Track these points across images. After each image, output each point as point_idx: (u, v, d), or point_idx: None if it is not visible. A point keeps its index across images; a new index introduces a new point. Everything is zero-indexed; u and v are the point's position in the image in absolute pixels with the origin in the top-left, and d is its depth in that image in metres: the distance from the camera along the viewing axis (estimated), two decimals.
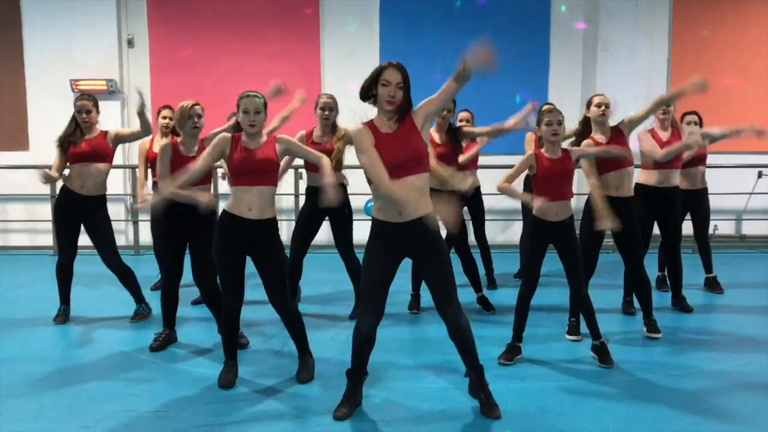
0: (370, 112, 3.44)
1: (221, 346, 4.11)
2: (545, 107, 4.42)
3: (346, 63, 9.07)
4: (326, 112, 5.24)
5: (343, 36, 9.10)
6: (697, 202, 6.13)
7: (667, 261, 5.82)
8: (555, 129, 4.22)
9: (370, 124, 3.34)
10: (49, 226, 8.90)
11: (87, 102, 5.21)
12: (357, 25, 9.07)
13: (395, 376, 4.13)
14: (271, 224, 3.88)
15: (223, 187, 7.87)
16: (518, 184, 4.82)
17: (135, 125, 5.37)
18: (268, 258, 3.87)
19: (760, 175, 9.02)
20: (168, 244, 4.57)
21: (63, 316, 5.40)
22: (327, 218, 5.41)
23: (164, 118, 6.02)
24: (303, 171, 5.81)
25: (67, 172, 5.25)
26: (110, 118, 8.93)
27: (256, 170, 3.77)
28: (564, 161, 4.29)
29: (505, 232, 8.91)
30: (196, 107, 4.42)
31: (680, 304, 5.68)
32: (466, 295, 5.87)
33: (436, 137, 5.36)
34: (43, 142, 8.79)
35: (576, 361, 4.39)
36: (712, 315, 5.69)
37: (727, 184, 8.39)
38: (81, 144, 5.15)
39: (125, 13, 9.07)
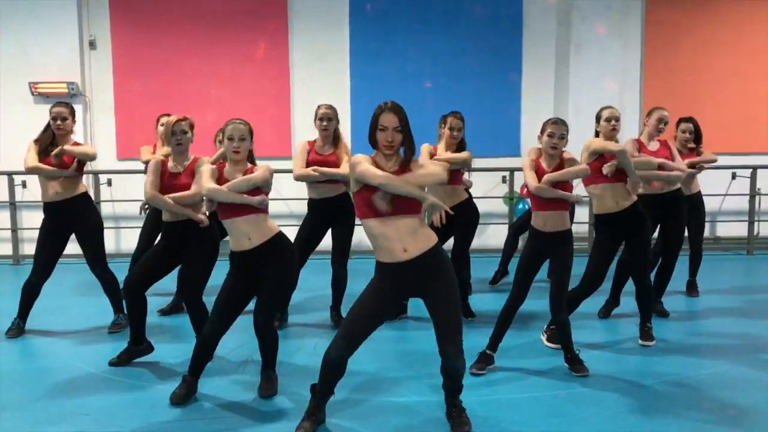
0: None
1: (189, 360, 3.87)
2: (552, 119, 4.21)
3: (315, 66, 8.88)
4: (325, 123, 5.07)
5: (312, 39, 8.90)
6: (691, 207, 5.99)
7: (663, 265, 5.65)
8: (555, 142, 4.08)
9: (371, 158, 3.21)
10: (8, 234, 8.60)
11: (63, 109, 4.98)
12: (326, 27, 8.89)
13: (364, 386, 3.95)
14: (275, 243, 3.72)
15: None
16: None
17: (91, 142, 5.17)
18: (272, 276, 3.72)
19: (734, 176, 8.99)
20: (159, 258, 4.37)
21: (17, 330, 5.14)
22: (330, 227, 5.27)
23: (162, 125, 5.67)
24: None
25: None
26: None
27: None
28: (559, 169, 4.14)
29: (479, 236, 8.73)
30: (181, 123, 4.28)
31: (657, 310, 5.56)
32: None
33: (444, 156, 5.18)
34: (2, 145, 8.54)
35: (550, 371, 4.23)
36: (689, 320, 5.57)
37: (701, 186, 8.31)
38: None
39: (87, 13, 8.78)
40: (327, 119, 5.07)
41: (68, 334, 5.20)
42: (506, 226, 8.15)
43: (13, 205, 8.53)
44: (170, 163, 4.33)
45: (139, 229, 5.80)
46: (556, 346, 4.51)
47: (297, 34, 8.92)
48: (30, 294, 5.13)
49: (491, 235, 8.82)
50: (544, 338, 4.81)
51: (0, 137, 8.55)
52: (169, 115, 5.70)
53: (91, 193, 8.66)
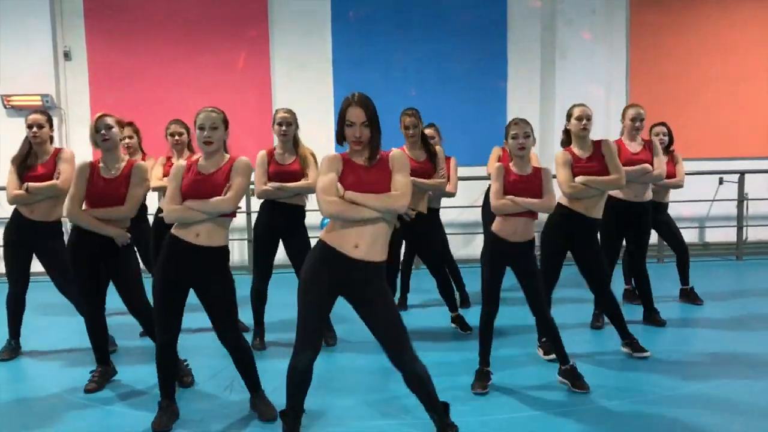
0: None
1: None
2: (513, 119, 4.09)
3: (297, 73, 8.71)
4: (284, 128, 4.80)
5: (294, 46, 8.73)
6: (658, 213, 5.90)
7: (634, 274, 5.60)
8: (521, 142, 3.94)
9: (344, 155, 3.06)
10: None
11: (39, 116, 4.71)
12: (308, 35, 8.72)
13: (346, 414, 3.77)
14: (219, 254, 3.52)
15: None
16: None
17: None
18: (212, 290, 3.52)
19: (721, 181, 8.93)
20: (85, 272, 4.10)
21: (9, 351, 4.91)
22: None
23: (172, 135, 5.34)
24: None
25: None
26: None
27: (206, 196, 3.43)
28: (532, 179, 3.99)
29: (467, 246, 8.61)
30: (106, 118, 4.00)
31: (652, 319, 5.45)
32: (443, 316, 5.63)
33: (412, 155, 5.09)
34: None
35: (548, 387, 4.09)
36: (686, 329, 5.46)
37: (689, 192, 8.23)
38: (36, 168, 4.69)
39: (61, 23, 8.53)
40: (286, 124, 4.80)
41: (46, 355, 4.97)
42: None
43: None
44: (101, 166, 4.04)
45: None
46: (553, 357, 4.34)
47: (278, 42, 8.74)
48: (15, 307, 4.93)
49: (478, 246, 8.65)
50: (540, 353, 4.66)
51: None
52: (177, 121, 5.43)
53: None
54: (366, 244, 2.95)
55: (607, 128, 8.73)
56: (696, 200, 8.58)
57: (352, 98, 2.99)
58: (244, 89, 8.67)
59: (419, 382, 3.05)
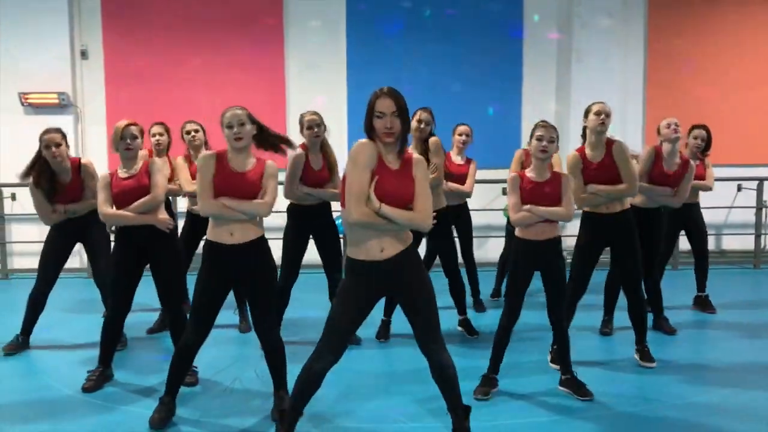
0: None
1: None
2: (540, 122, 4.01)
3: (311, 74, 8.70)
4: (315, 130, 4.80)
5: (308, 46, 8.73)
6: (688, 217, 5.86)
7: (645, 282, 5.49)
8: (545, 146, 3.85)
9: (374, 150, 2.97)
10: None
11: (56, 135, 4.67)
12: (322, 35, 8.72)
13: (360, 416, 3.73)
14: (259, 246, 3.54)
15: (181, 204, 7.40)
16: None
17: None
18: (257, 283, 3.53)
19: (739, 188, 8.78)
20: (121, 275, 4.12)
21: (16, 345, 4.94)
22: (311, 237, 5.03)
23: (153, 135, 5.46)
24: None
25: None
26: None
27: (241, 195, 3.47)
28: (551, 185, 3.91)
29: (478, 249, 8.51)
30: (131, 128, 4.05)
31: (662, 326, 5.35)
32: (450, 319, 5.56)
33: (415, 149, 4.97)
34: None
35: (554, 394, 4.02)
36: (695, 338, 5.36)
37: (706, 198, 8.06)
38: (65, 192, 4.74)
39: (78, 22, 8.60)
40: (316, 125, 4.81)
41: (53, 350, 4.98)
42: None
43: (1, 218, 8.32)
44: (119, 171, 4.12)
45: None
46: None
47: (292, 42, 8.74)
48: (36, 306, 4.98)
49: (491, 249, 8.59)
50: (549, 358, 4.59)
51: None
52: (160, 123, 5.53)
53: None
54: (390, 245, 2.96)
55: (623, 133, 8.62)
56: (714, 207, 8.43)
57: (381, 91, 2.95)
58: (258, 89, 8.68)
59: (446, 373, 3.08)
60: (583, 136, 4.58)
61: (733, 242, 8.95)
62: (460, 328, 5.39)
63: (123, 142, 4.02)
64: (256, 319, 3.62)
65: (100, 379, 4.19)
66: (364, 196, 2.87)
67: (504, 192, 8.63)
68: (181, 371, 3.62)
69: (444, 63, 8.70)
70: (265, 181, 3.53)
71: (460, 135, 6.07)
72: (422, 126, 4.97)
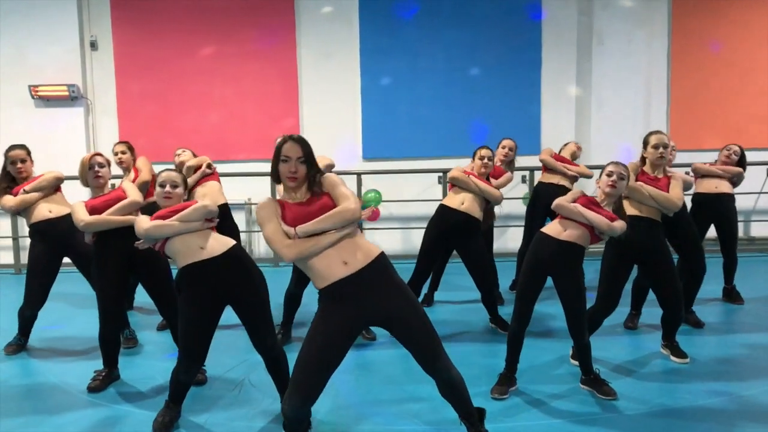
0: None
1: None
2: (610, 162, 3.86)
3: (324, 62, 8.52)
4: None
5: (320, 34, 8.54)
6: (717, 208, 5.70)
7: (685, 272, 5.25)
8: (613, 180, 3.73)
9: (280, 200, 2.84)
10: (9, 243, 8.35)
11: (21, 151, 4.73)
12: (334, 21, 8.52)
13: (370, 418, 3.56)
14: (236, 254, 3.36)
15: None
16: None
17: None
18: (246, 294, 3.34)
19: None
20: (105, 286, 4.02)
21: (16, 346, 4.85)
22: None
23: (115, 154, 5.35)
24: None
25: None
26: (73, 126, 8.41)
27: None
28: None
29: (498, 239, 8.32)
30: (97, 157, 4.14)
31: (690, 319, 5.13)
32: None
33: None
34: (1, 150, 8.20)
35: (570, 394, 3.81)
36: (724, 332, 5.12)
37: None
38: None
39: (88, 13, 8.49)
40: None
41: (56, 350, 4.88)
42: None
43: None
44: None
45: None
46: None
47: (305, 31, 8.56)
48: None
49: (510, 239, 8.38)
50: (570, 353, 4.39)
51: None
52: (123, 142, 5.49)
53: None
54: (349, 254, 2.70)
55: (646, 120, 8.36)
56: (742, 192, 8.12)
57: (288, 137, 2.83)
58: (271, 79, 8.53)
59: (455, 389, 2.86)
60: (641, 163, 4.39)
61: (762, 229, 8.65)
62: (492, 325, 5.22)
63: (92, 172, 4.07)
64: (256, 338, 3.41)
65: (106, 379, 4.08)
66: (281, 235, 2.69)
67: (523, 180, 8.40)
68: (186, 387, 3.49)
69: (461, 48, 8.46)
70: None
71: (503, 148, 5.87)
72: (485, 161, 5.09)
